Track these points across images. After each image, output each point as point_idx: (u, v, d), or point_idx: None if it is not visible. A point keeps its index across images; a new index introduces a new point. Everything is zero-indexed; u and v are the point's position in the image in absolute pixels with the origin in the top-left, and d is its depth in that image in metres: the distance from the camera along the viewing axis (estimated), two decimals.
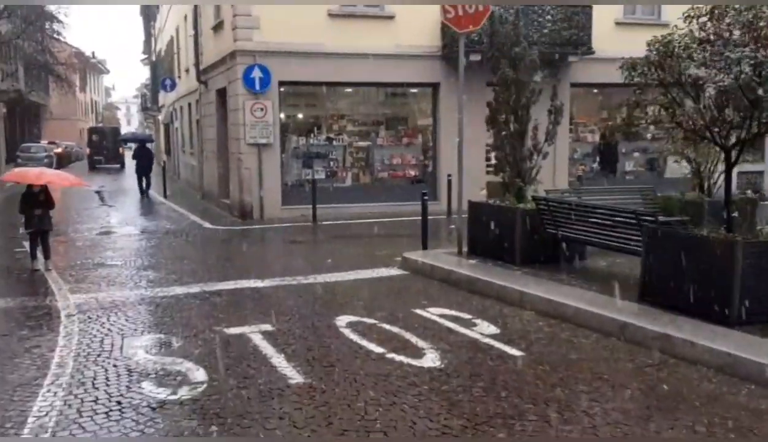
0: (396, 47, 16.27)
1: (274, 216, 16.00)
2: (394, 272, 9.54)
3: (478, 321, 6.91)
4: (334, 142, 17.17)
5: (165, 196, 22.24)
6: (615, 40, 17.64)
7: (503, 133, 9.44)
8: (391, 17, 16.36)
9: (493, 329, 6.67)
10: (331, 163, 17.19)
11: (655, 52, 6.50)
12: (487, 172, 18.11)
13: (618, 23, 18.00)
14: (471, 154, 17.32)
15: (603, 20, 17.32)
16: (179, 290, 8.46)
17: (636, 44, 17.74)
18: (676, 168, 21.01)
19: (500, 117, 9.38)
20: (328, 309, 7.44)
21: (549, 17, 16.50)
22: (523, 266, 8.74)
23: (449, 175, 16.07)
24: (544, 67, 17.00)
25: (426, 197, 10.71)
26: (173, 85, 27.28)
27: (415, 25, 16.38)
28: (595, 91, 19.15)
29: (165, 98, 34.35)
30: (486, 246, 9.37)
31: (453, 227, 14.33)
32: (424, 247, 10.45)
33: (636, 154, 19.85)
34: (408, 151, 17.71)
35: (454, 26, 9.49)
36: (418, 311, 7.29)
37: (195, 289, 8.49)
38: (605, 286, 7.62)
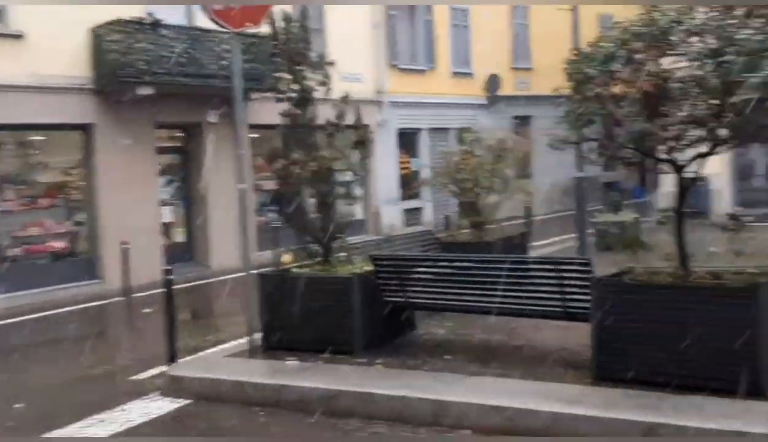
0: (30, 77, 11.82)
1: None
2: (167, 404, 5.86)
3: None
4: None
5: None
6: None
7: (296, 172, 6.71)
8: (18, 36, 11.83)
9: None
10: None
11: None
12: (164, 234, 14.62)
13: None
14: (141, 211, 13.69)
15: None
16: None
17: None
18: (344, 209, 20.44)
19: (295, 152, 6.64)
20: None
21: (226, 46, 13.94)
22: (367, 354, 6.14)
23: (124, 244, 12.20)
24: (221, 105, 14.77)
25: (171, 277, 7.11)
26: None
27: (57, 49, 12.21)
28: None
29: None
30: (297, 335, 6.44)
31: (148, 310, 10.70)
32: (171, 355, 6.80)
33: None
34: (50, 215, 13.12)
35: (226, 22, 6.47)
36: None
37: None
38: (528, 367, 5.50)
